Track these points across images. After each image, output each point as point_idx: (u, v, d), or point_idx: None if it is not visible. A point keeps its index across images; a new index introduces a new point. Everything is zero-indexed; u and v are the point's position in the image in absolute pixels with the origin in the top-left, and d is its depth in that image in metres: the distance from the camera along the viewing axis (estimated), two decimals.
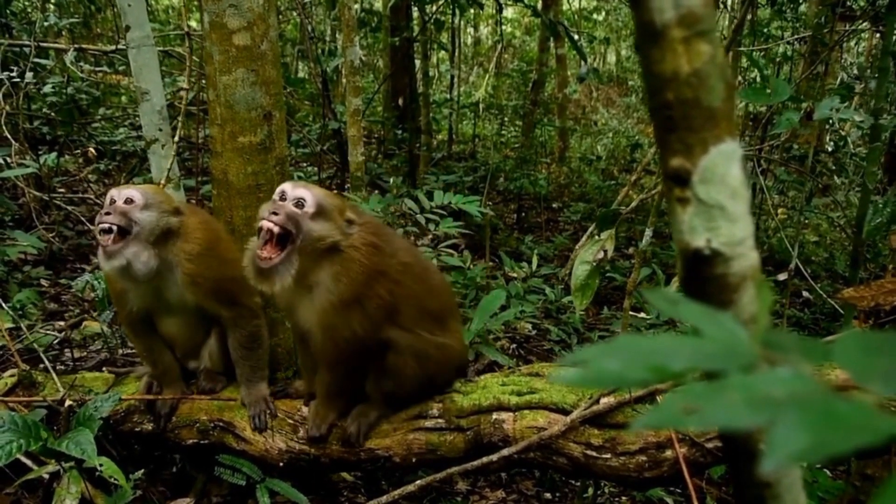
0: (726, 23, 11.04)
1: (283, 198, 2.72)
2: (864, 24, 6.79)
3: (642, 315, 5.57)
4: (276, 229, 2.64)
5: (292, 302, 2.90)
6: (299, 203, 2.69)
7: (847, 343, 0.75)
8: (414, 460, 2.97)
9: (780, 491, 1.06)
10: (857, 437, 0.59)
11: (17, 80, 5.77)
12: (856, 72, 10.12)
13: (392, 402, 3.06)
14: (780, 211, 10.17)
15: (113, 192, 2.98)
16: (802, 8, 9.69)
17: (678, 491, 3.81)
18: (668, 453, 2.62)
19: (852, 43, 13.16)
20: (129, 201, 2.93)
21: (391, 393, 3.01)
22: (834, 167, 9.39)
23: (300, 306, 2.87)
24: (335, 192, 2.97)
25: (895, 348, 0.74)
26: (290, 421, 3.15)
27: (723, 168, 0.90)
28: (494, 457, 2.74)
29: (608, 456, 2.67)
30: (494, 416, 2.87)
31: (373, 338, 2.84)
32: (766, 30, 10.12)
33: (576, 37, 10.93)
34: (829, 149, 10.02)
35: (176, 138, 3.97)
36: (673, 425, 0.67)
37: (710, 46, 0.87)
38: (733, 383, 0.67)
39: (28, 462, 3.02)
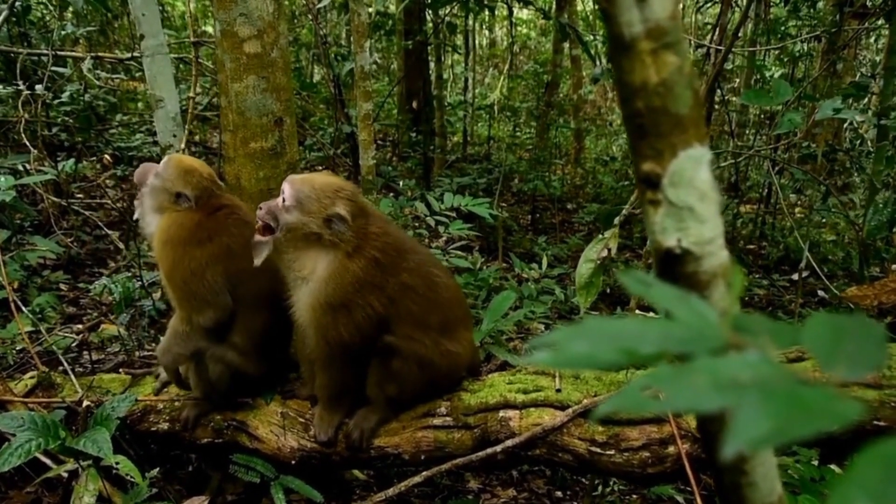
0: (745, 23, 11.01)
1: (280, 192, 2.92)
2: (880, 21, 6.77)
3: (651, 315, 5.58)
4: (259, 223, 2.87)
5: (292, 292, 2.99)
6: (282, 197, 2.85)
7: (814, 327, 0.78)
8: (423, 458, 3.01)
9: (755, 478, 1.10)
10: (819, 421, 0.60)
11: (32, 91, 5.86)
12: (871, 70, 10.08)
13: (394, 406, 3.10)
14: (796, 210, 10.15)
15: None
16: (820, 5, 9.65)
17: (689, 489, 3.83)
18: (671, 449, 2.65)
19: (871, 40, 13.08)
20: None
21: (393, 397, 3.05)
22: (850, 165, 9.36)
23: (296, 298, 2.97)
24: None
25: (861, 332, 0.77)
26: (301, 420, 3.21)
27: (691, 172, 0.95)
28: (499, 448, 2.79)
29: (612, 452, 2.71)
30: (501, 413, 2.92)
31: (361, 343, 2.90)
32: (783, 28, 10.09)
33: (590, 38, 10.95)
34: (848, 147, 9.98)
35: (182, 144, 4.05)
36: (638, 409, 0.70)
37: (677, 57, 0.92)
38: (699, 367, 0.69)
39: (47, 461, 3.08)
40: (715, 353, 0.71)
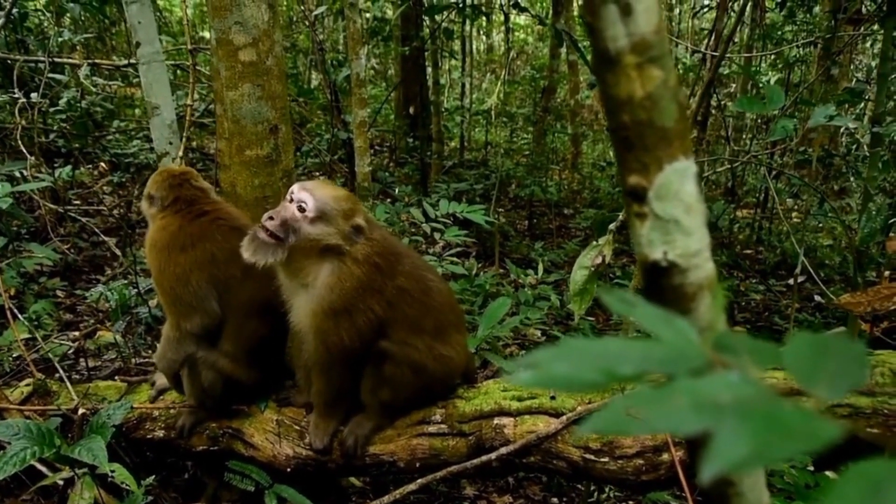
0: (739, 28, 11.03)
1: (290, 199, 2.82)
2: (875, 26, 6.79)
3: None
4: (265, 236, 2.76)
5: (290, 299, 2.98)
6: (301, 207, 2.78)
7: (796, 346, 0.78)
8: (418, 465, 3.01)
9: (742, 489, 1.10)
10: (799, 443, 0.60)
11: (28, 98, 5.87)
12: (866, 75, 10.09)
13: (388, 412, 3.11)
14: (793, 215, 10.16)
15: None
16: (816, 10, 9.67)
17: (684, 496, 3.83)
18: (665, 456, 2.66)
19: (868, 45, 13.10)
20: None
21: (387, 403, 3.06)
22: (846, 170, 9.38)
23: (296, 304, 2.96)
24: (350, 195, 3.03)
25: (842, 351, 0.77)
26: (297, 427, 3.22)
27: (677, 185, 0.96)
28: (493, 455, 2.80)
29: (606, 459, 2.71)
30: (496, 420, 2.92)
31: (361, 348, 2.90)
32: (779, 33, 10.11)
33: (586, 43, 10.96)
34: (844, 151, 9.99)
35: (180, 152, 4.06)
36: (617, 430, 0.71)
37: (662, 71, 0.93)
38: (680, 387, 0.69)
39: (43, 469, 3.09)
40: (696, 374, 0.71)
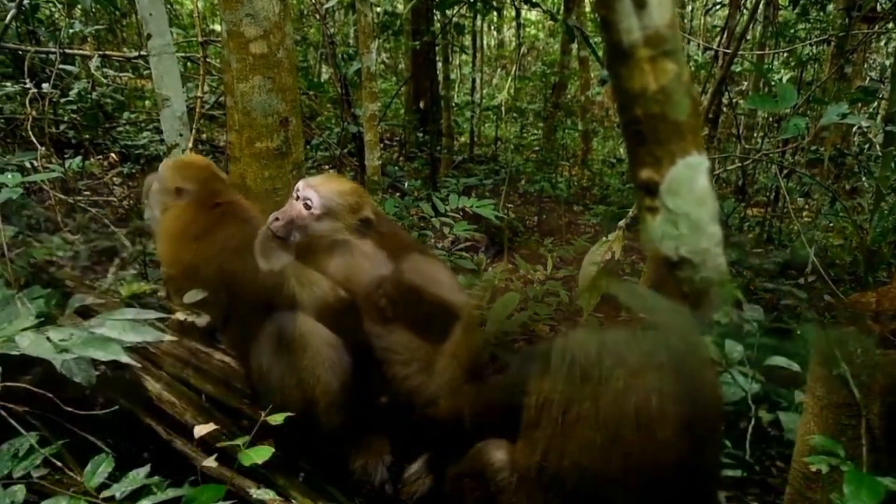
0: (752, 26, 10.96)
1: (296, 196, 2.83)
2: (889, 24, 6.74)
3: None
4: (273, 237, 2.80)
5: (298, 294, 2.97)
6: (307, 204, 2.77)
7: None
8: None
9: None
10: None
11: (39, 89, 5.88)
12: (880, 74, 10.04)
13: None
14: (804, 214, 10.12)
15: None
16: (830, 8, 9.61)
17: None
18: None
19: (882, 43, 13.02)
20: None
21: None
22: (858, 170, 9.32)
23: (303, 301, 2.94)
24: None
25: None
26: None
27: (689, 179, 0.95)
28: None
29: None
30: None
31: (366, 345, 2.89)
32: (791, 31, 10.05)
33: (598, 39, 10.93)
34: (856, 150, 9.93)
35: (189, 143, 4.06)
36: None
37: (676, 65, 0.92)
38: None
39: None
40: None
